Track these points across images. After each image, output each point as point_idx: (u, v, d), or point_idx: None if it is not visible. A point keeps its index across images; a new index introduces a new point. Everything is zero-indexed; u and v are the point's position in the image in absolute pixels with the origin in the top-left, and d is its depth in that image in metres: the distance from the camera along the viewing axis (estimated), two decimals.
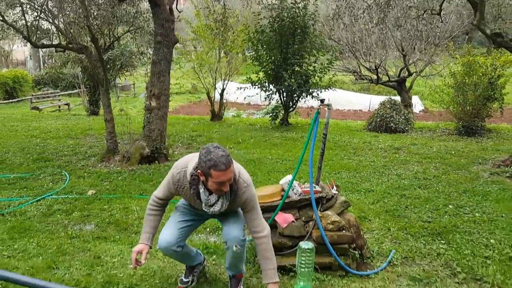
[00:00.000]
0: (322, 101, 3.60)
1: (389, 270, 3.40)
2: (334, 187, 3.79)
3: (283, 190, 3.70)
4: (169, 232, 2.89)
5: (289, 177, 3.73)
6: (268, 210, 3.64)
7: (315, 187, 3.59)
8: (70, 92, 20.33)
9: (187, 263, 3.19)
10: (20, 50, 32.93)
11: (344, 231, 3.42)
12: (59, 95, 17.78)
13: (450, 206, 4.78)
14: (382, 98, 17.26)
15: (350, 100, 18.95)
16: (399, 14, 8.20)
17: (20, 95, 20.39)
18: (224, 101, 11.96)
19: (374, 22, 8.74)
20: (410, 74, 13.04)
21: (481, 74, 9.02)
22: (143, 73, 13.13)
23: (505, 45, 5.59)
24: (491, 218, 4.42)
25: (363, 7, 7.48)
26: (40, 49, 21.38)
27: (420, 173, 6.12)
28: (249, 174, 6.22)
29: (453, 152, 7.45)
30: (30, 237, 3.99)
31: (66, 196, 5.21)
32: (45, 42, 7.38)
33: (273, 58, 10.02)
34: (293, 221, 3.53)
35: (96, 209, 4.77)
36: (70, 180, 5.88)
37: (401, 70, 13.13)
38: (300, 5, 9.88)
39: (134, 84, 23.51)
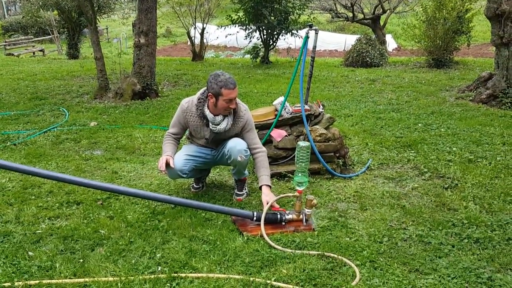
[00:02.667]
0: (310, 25, 4.03)
1: (367, 173, 4.02)
2: (321, 106, 4.31)
3: (276, 110, 4.20)
4: (175, 159, 3.32)
5: (281, 98, 4.21)
6: (263, 127, 4.16)
7: (304, 106, 4.10)
8: (42, 38, 19.83)
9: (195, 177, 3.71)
10: None
11: (330, 142, 3.99)
12: (32, 41, 17.39)
13: (420, 125, 5.41)
14: (357, 37, 17.68)
15: (326, 40, 19.22)
16: None
17: None
18: (205, 41, 12.12)
19: None
20: (384, 12, 13.41)
21: (450, 9, 9.48)
22: (117, 18, 13.06)
23: None
24: (454, 132, 5.08)
25: None
26: None
27: (394, 100, 6.72)
28: None
29: (423, 82, 8.06)
30: (47, 161, 4.40)
31: (71, 127, 5.58)
32: None
33: None
34: (286, 136, 4.07)
35: (102, 137, 5.18)
36: (70, 114, 6.21)
37: (375, 7, 13.47)
38: None
39: (107, 28, 23.01)
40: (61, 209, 3.31)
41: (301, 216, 3.11)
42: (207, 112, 3.25)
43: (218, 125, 3.26)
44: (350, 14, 13.56)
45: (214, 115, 3.24)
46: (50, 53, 16.77)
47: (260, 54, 11.04)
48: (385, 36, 13.83)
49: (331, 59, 12.29)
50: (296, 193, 3.10)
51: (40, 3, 10.77)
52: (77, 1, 7.60)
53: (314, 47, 4.08)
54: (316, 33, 4.03)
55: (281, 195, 3.25)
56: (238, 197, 3.55)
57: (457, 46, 9.84)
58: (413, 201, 3.43)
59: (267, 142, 4.11)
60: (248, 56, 11.52)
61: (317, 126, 4.05)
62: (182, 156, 3.34)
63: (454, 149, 4.54)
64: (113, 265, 2.56)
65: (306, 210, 3.09)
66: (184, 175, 3.37)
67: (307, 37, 3.96)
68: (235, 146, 3.32)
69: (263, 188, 3.24)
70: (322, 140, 3.97)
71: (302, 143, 3.04)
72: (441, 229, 2.96)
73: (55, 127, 5.60)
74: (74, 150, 4.78)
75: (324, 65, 10.69)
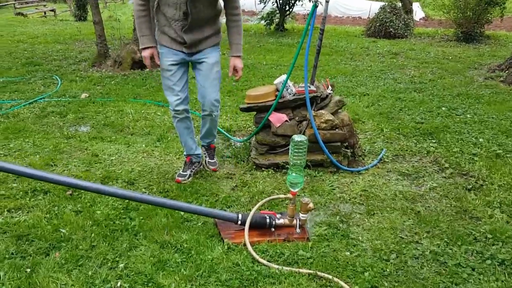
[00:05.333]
0: None
1: (379, 166, 3.51)
2: (329, 87, 3.76)
3: (277, 90, 3.68)
4: (171, 90, 2.98)
5: (283, 77, 3.68)
6: (262, 110, 3.65)
7: (309, 87, 3.56)
8: None
9: (189, 145, 3.27)
10: None
11: (337, 130, 3.46)
12: (44, 0, 16.88)
13: (443, 108, 4.81)
14: (382, 4, 16.62)
15: (349, 6, 18.18)
16: None
17: (2, 1, 19.33)
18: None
19: None
20: None
21: None
22: None
23: None
24: (481, 119, 4.48)
25: None
26: None
27: (417, 77, 6.07)
28: (243, 78, 6.17)
29: (450, 58, 7.34)
30: (25, 137, 4.01)
31: (59, 99, 5.17)
32: None
33: None
34: (286, 121, 3.56)
35: (90, 112, 4.76)
36: (62, 84, 5.79)
37: None
38: None
39: None
40: (24, 199, 2.92)
41: (294, 222, 2.65)
42: None
43: None
44: None
45: None
46: (61, 13, 16.27)
47: (275, 20, 10.33)
48: (412, 5, 12.84)
49: (352, 28, 11.49)
50: (289, 195, 2.63)
51: None
52: None
53: (324, 17, 3.50)
54: (327, 1, 3.44)
55: (271, 197, 2.79)
56: (212, 167, 3.40)
57: (489, 18, 8.97)
58: (430, 205, 2.93)
59: (265, 126, 3.62)
60: (263, 22, 10.80)
61: (322, 111, 3.51)
62: (174, 83, 2.97)
63: (480, 140, 3.97)
64: (66, 276, 2.17)
65: (301, 215, 2.62)
66: (188, 107, 3.11)
67: (315, 6, 3.37)
68: (208, 94, 3.01)
69: (234, 59, 3.07)
70: (327, 128, 3.45)
71: (297, 137, 2.53)
72: (460, 245, 2.47)
73: (42, 97, 5.19)
74: (57, 126, 4.37)
75: (343, 34, 9.95)
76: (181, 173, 3.27)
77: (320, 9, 3.58)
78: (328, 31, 10.66)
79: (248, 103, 3.71)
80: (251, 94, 3.71)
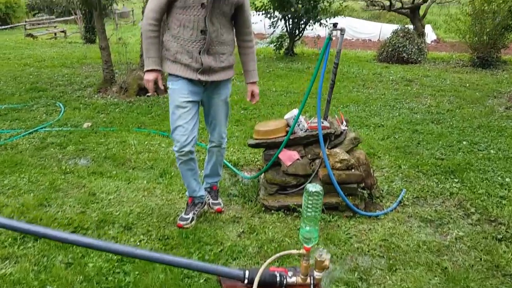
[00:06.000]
0: (334, 25, 3.21)
1: (399, 210, 3.22)
2: (344, 122, 3.51)
3: (288, 125, 3.44)
4: (182, 128, 2.75)
5: (294, 111, 3.45)
6: (271, 146, 3.41)
7: (323, 123, 3.32)
8: (66, 18, 19.44)
9: (193, 187, 3.03)
10: None
11: (353, 170, 3.20)
12: (54, 22, 17.00)
13: (464, 143, 4.53)
14: (393, 27, 16.47)
15: (359, 29, 18.09)
16: None
17: (14, 21, 19.55)
18: None
19: None
20: (424, 1, 12.23)
21: (501, 1, 8.37)
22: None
23: None
24: (506, 155, 4.19)
25: None
26: None
27: (433, 107, 5.80)
28: (252, 106, 5.95)
29: (467, 85, 7.07)
30: (21, 172, 3.80)
31: (61, 128, 4.97)
32: None
33: None
34: (298, 159, 3.31)
35: (92, 143, 4.55)
36: (65, 111, 5.61)
37: None
38: None
39: (132, 10, 22.50)
40: (13, 247, 2.67)
41: (308, 280, 2.36)
42: None
43: None
44: (387, 3, 12.45)
45: None
46: (72, 34, 16.33)
47: (285, 45, 10.17)
48: (424, 28, 12.65)
49: (363, 53, 11.29)
50: (303, 250, 2.35)
51: None
52: None
53: (339, 51, 3.27)
54: (342, 34, 3.21)
55: (281, 253, 2.51)
56: (217, 207, 3.17)
57: (506, 43, 8.72)
58: (458, 259, 2.63)
59: (274, 164, 3.37)
60: (272, 46, 10.66)
61: (337, 150, 3.25)
62: (184, 120, 2.75)
63: (507, 180, 3.67)
64: None
65: (316, 272, 2.33)
66: (194, 148, 2.87)
67: (329, 39, 3.15)
68: (219, 130, 2.99)
69: (252, 86, 3.00)
70: (343, 168, 3.18)
71: (311, 187, 2.26)
72: None
73: (44, 126, 5.00)
74: (56, 159, 4.15)
75: (354, 60, 9.74)
76: (183, 216, 3.01)
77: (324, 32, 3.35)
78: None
79: (257, 139, 3.47)
80: (260, 129, 3.47)
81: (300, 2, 9.24)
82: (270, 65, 8.90)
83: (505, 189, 3.51)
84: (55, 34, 15.98)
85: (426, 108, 5.75)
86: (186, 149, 2.79)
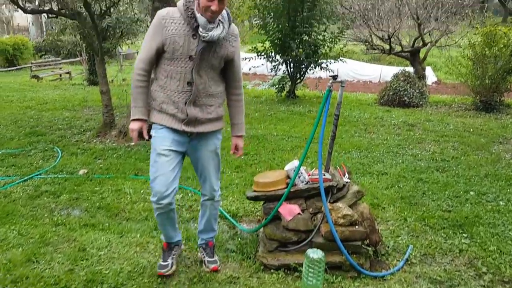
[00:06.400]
0: (334, 77, 3.15)
1: (406, 270, 3.03)
2: (346, 174, 3.38)
3: (288, 177, 3.31)
4: (163, 178, 2.65)
5: (295, 162, 3.33)
6: (271, 199, 3.27)
7: (324, 175, 3.19)
8: (72, 60, 19.77)
9: (170, 234, 2.96)
10: (23, 15, 32.14)
11: (357, 226, 3.04)
12: (60, 63, 17.26)
13: (472, 193, 4.37)
14: (393, 69, 16.61)
15: (360, 71, 18.27)
16: None
17: (21, 63, 19.89)
18: None
19: None
20: (424, 45, 12.36)
21: (502, 46, 8.42)
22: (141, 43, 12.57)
23: None
24: None
25: None
26: (42, 15, 20.72)
27: (438, 154, 5.68)
28: (253, 152, 5.84)
29: (471, 130, 6.97)
30: (11, 224, 3.65)
31: (56, 175, 4.86)
32: (34, 7, 6.86)
33: (280, 26, 9.43)
34: (299, 213, 3.16)
35: (86, 191, 4.42)
36: (62, 157, 5.51)
37: (415, 40, 12.42)
38: None
39: (137, 52, 22.91)
40: None
41: None
42: (198, 14, 2.49)
43: (210, 30, 2.49)
44: (387, 46, 12.58)
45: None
46: (77, 75, 16.53)
47: (286, 87, 10.20)
48: (424, 70, 12.72)
49: (364, 95, 11.31)
50: None
51: (61, 26, 10.36)
52: (82, 29, 7.00)
53: (339, 103, 3.19)
54: (342, 86, 3.15)
55: None
56: (213, 265, 2.95)
57: (509, 87, 8.69)
58: None
59: (275, 218, 3.22)
60: (273, 88, 10.70)
61: (339, 204, 3.11)
62: (165, 169, 2.65)
63: None
64: None
65: None
66: (173, 200, 2.78)
67: (329, 91, 3.09)
68: (211, 184, 2.89)
69: (237, 139, 2.94)
70: (346, 224, 3.03)
71: (312, 253, 2.12)
72: None
73: (39, 173, 4.89)
74: (49, 209, 4.01)
75: (355, 103, 9.72)
76: (162, 263, 2.90)
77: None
78: None
79: (256, 191, 3.34)
80: (260, 181, 3.34)
81: (301, 46, 9.33)
82: (271, 108, 8.88)
83: None
84: (60, 75, 16.18)
85: (430, 155, 5.62)
86: (165, 201, 2.68)
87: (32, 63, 15.77)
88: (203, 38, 2.48)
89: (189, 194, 4.36)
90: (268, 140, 6.37)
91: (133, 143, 2.75)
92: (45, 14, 7.69)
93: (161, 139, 2.66)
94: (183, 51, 2.52)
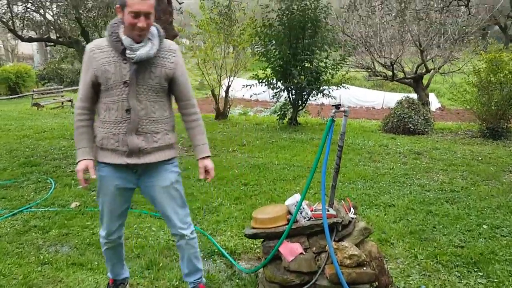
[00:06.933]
0: (337, 106, 2.96)
1: None
2: (352, 210, 3.16)
3: (289, 212, 3.09)
4: (108, 216, 2.64)
5: (297, 196, 3.12)
6: (271, 237, 3.04)
7: (328, 210, 2.97)
8: (74, 88, 19.81)
9: (117, 270, 2.86)
10: (29, 44, 32.54)
11: (364, 268, 2.79)
12: (62, 91, 17.26)
13: (485, 227, 4.12)
14: (396, 95, 16.55)
15: (362, 98, 18.23)
16: (419, 6, 7.46)
17: (24, 91, 19.94)
18: (230, 98, 11.33)
19: (393, 14, 8.00)
20: (427, 71, 12.29)
21: (507, 72, 8.28)
22: None
23: None
24: None
25: None
26: (46, 43, 20.92)
27: (446, 184, 5.44)
28: (253, 182, 5.60)
29: (479, 158, 6.74)
30: None
31: (47, 209, 4.64)
32: (32, 36, 6.80)
33: (281, 53, 9.35)
34: (301, 253, 2.92)
35: (77, 226, 4.19)
36: (55, 188, 5.30)
37: (418, 66, 12.36)
38: None
39: None
40: None
41: None
42: (123, 37, 2.35)
43: (137, 50, 2.33)
44: (389, 73, 12.51)
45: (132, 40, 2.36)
46: None
47: (288, 114, 10.05)
48: (428, 97, 12.60)
49: (367, 122, 11.15)
50: None
51: (62, 54, 10.35)
52: (81, 57, 6.90)
53: (343, 133, 3.00)
54: (346, 116, 2.96)
55: None
56: None
57: None
58: None
59: (275, 258, 2.98)
60: (275, 115, 10.58)
61: (345, 244, 2.87)
62: (112, 210, 2.63)
63: None
64: None
65: None
66: (121, 240, 2.82)
67: (332, 120, 2.90)
68: (178, 219, 2.65)
69: (205, 161, 2.68)
70: (353, 265, 2.79)
71: None
72: None
73: (29, 207, 4.68)
74: (36, 246, 3.78)
75: (359, 130, 9.53)
76: None
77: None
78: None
79: (255, 228, 3.11)
80: (259, 217, 3.12)
81: (302, 73, 9.23)
82: (273, 135, 8.70)
83: None
84: (62, 103, 16.14)
85: (438, 185, 5.39)
86: (113, 236, 2.67)
87: (33, 91, 15.74)
88: (132, 59, 2.33)
89: None
90: (269, 169, 6.16)
91: (80, 186, 2.62)
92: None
93: (105, 178, 2.55)
94: (116, 78, 2.38)
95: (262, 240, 3.14)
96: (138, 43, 2.33)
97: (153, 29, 2.40)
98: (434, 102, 17.52)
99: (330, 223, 2.89)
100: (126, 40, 2.33)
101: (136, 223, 4.24)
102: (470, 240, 3.85)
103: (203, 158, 2.67)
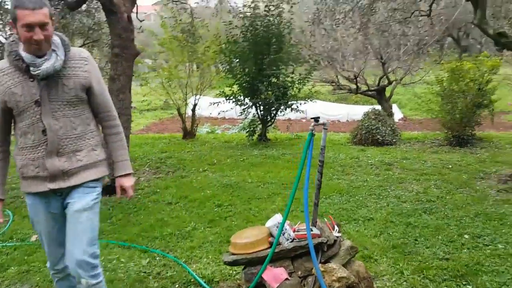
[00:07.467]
0: (316, 119, 2.84)
1: None
2: (336, 227, 3.01)
3: (271, 235, 2.91)
4: (49, 247, 2.45)
5: (278, 217, 2.95)
6: (252, 263, 2.84)
7: (312, 230, 2.80)
8: None
9: None
10: None
11: None
12: None
13: (466, 236, 4.06)
14: (360, 107, 16.79)
15: (328, 112, 18.39)
16: (381, 18, 7.57)
17: None
18: (197, 116, 11.09)
19: (357, 27, 8.08)
20: (390, 83, 12.52)
21: (469, 80, 8.49)
22: None
23: (510, 46, 4.99)
24: None
25: (345, 10, 6.80)
26: None
27: (421, 194, 5.40)
28: (227, 202, 5.37)
29: (450, 166, 6.79)
30: None
31: (4, 244, 4.25)
32: None
33: (247, 70, 9.26)
34: (286, 279, 2.73)
35: (38, 261, 3.83)
36: (13, 221, 4.90)
37: (380, 78, 12.60)
38: (274, 12, 9.20)
39: None
40: None
41: None
42: (23, 54, 2.14)
43: (40, 66, 2.12)
44: (353, 86, 12.67)
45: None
46: None
47: (257, 131, 9.91)
48: (391, 108, 12.81)
49: (336, 135, 11.17)
50: None
51: None
52: None
53: (323, 147, 2.87)
54: (325, 129, 2.84)
55: None
56: None
57: (479, 120, 8.72)
58: None
59: (258, 286, 2.77)
60: (243, 131, 10.41)
61: (333, 265, 2.70)
62: (52, 249, 2.44)
63: None
64: None
65: None
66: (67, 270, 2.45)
67: (312, 135, 2.76)
68: (74, 250, 2.24)
69: (125, 179, 2.43)
70: None
71: None
72: None
73: None
74: None
75: (329, 143, 9.49)
76: None
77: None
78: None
79: (234, 254, 2.90)
80: (238, 242, 2.92)
81: (269, 89, 9.14)
82: (243, 152, 8.51)
83: None
84: None
85: (414, 196, 5.34)
86: (59, 266, 2.48)
87: None
88: (38, 76, 2.14)
89: (157, 258, 3.84)
90: (242, 188, 5.95)
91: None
92: None
93: (33, 207, 2.35)
94: (26, 99, 2.17)
95: (243, 267, 2.93)
96: (40, 57, 2.13)
97: (55, 39, 2.20)
98: (397, 113, 17.88)
99: (315, 243, 2.72)
100: (27, 57, 2.13)
101: (103, 255, 3.91)
102: (453, 251, 3.76)
103: (121, 176, 2.43)
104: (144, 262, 3.75)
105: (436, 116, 8.84)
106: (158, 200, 5.52)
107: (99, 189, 2.39)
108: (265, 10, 9.23)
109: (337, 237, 2.90)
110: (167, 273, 3.57)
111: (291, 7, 9.47)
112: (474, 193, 5.38)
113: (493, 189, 5.48)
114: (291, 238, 2.85)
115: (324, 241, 2.79)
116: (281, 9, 9.31)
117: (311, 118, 2.80)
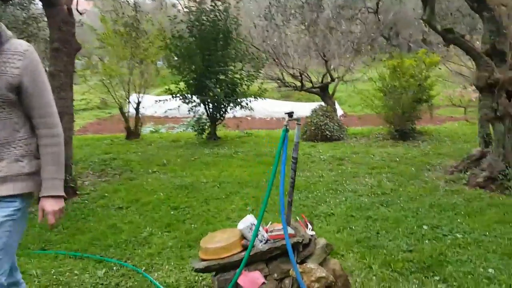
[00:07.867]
0: (290, 114, 2.73)
1: None
2: (309, 226, 2.93)
3: (244, 237, 2.76)
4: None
5: (249, 218, 2.81)
6: (225, 268, 2.68)
7: (288, 230, 2.69)
8: None
9: None
10: None
11: None
12: None
13: (425, 227, 4.16)
14: (303, 104, 17.03)
15: (273, 108, 18.49)
16: (330, 15, 7.66)
17: None
18: (140, 116, 10.63)
19: (306, 23, 8.10)
20: (333, 80, 12.79)
21: (409, 77, 8.85)
22: None
23: (457, 41, 5.21)
24: (475, 239, 3.85)
25: (296, 6, 6.78)
26: None
27: (376, 187, 5.50)
28: (183, 204, 5.11)
29: (397, 159, 7.01)
30: None
31: None
32: None
33: (194, 66, 8.99)
34: (263, 283, 2.60)
35: None
36: None
37: (323, 76, 12.84)
38: (220, 7, 9.01)
39: None
40: None
41: None
42: None
43: None
44: (298, 83, 12.80)
45: None
46: None
47: (206, 129, 9.67)
48: (334, 104, 13.11)
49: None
50: None
51: None
52: None
53: (297, 144, 2.78)
54: (298, 124, 2.75)
55: None
56: None
57: (419, 115, 9.13)
58: None
59: None
60: (191, 130, 10.11)
61: (310, 265, 2.61)
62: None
63: (490, 271, 3.27)
64: None
65: None
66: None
67: (286, 130, 2.66)
68: None
69: (55, 202, 2.05)
70: None
71: None
72: None
73: None
74: None
75: (279, 140, 9.48)
76: None
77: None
78: (262, 136, 10.25)
79: (205, 260, 2.72)
80: (209, 246, 2.74)
81: (218, 86, 8.95)
82: (194, 152, 8.26)
83: (494, 284, 3.08)
84: None
85: (369, 189, 5.43)
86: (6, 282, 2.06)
87: None
88: None
89: (114, 268, 3.55)
90: (197, 188, 5.74)
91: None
92: None
93: None
94: None
95: (214, 273, 2.76)
96: None
97: None
98: (338, 110, 18.38)
99: (291, 243, 2.61)
100: None
101: (54, 267, 3.56)
102: (416, 243, 3.83)
103: (45, 197, 2.05)
104: (100, 273, 3.45)
105: (380, 111, 9.13)
106: (107, 204, 5.17)
107: (18, 205, 2.01)
108: (211, 5, 9.01)
109: (312, 235, 2.82)
110: (126, 283, 3.31)
111: (237, 2, 9.34)
112: (425, 184, 5.57)
113: (441, 180, 5.71)
114: (264, 239, 2.73)
115: (300, 241, 2.70)
116: (227, 4, 9.14)
117: (285, 113, 2.69)
